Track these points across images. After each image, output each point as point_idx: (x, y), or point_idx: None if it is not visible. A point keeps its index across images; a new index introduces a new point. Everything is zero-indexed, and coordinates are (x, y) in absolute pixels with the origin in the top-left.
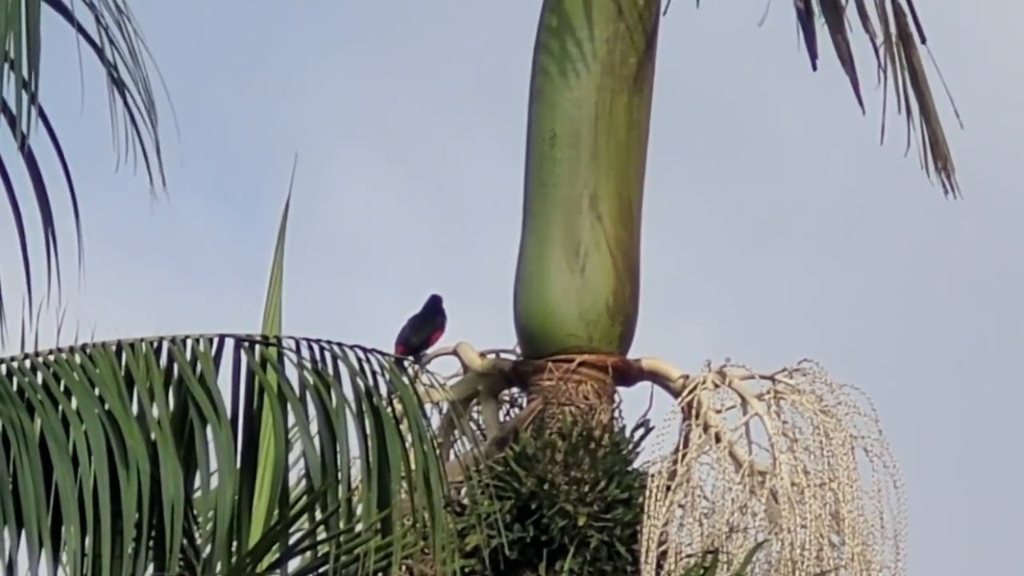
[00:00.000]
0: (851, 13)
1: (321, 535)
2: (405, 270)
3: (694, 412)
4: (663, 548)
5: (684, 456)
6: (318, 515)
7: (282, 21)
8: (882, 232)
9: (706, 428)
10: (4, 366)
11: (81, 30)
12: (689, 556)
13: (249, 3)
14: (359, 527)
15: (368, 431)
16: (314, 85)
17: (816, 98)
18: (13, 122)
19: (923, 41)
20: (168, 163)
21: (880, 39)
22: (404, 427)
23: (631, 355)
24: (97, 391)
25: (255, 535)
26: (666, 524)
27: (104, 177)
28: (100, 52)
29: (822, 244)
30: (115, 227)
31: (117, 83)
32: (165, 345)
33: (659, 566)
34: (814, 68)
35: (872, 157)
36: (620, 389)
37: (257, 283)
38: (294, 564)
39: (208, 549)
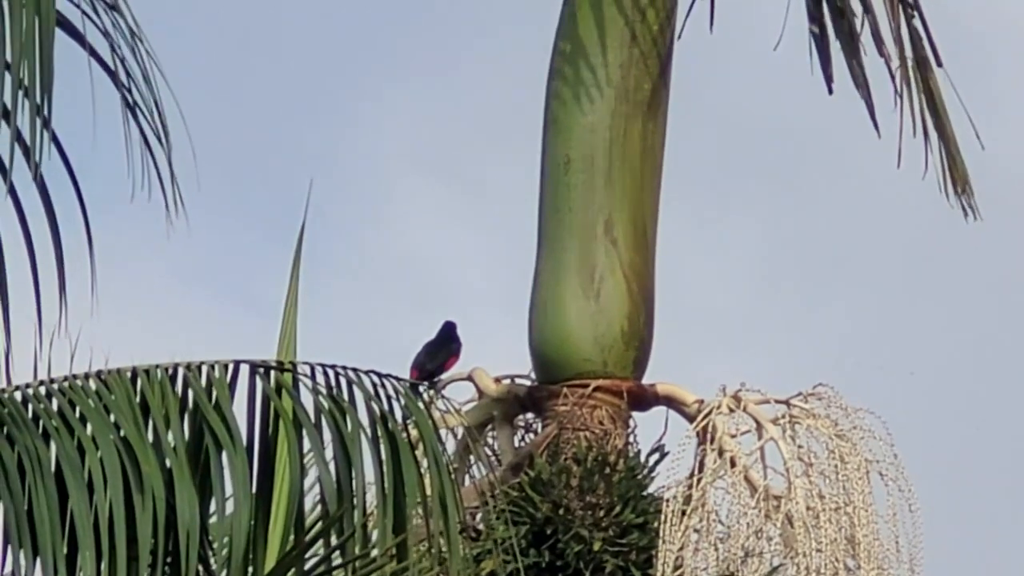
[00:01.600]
0: (866, 38)
1: (336, 560)
2: (470, 299)
3: (709, 437)
4: (678, 573)
5: (699, 481)
6: (333, 540)
7: (339, 54)
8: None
9: (721, 453)
10: (19, 393)
11: (95, 54)
12: None
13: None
14: (375, 552)
15: (383, 456)
16: (373, 116)
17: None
18: (27, 150)
19: (939, 64)
20: (190, 187)
21: (896, 63)
22: (419, 452)
23: (646, 380)
24: (112, 417)
25: (270, 561)
26: (681, 549)
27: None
28: (115, 77)
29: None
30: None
31: (131, 107)
32: (180, 371)
33: None
34: (830, 92)
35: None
36: (635, 414)
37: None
38: None
39: (223, 575)
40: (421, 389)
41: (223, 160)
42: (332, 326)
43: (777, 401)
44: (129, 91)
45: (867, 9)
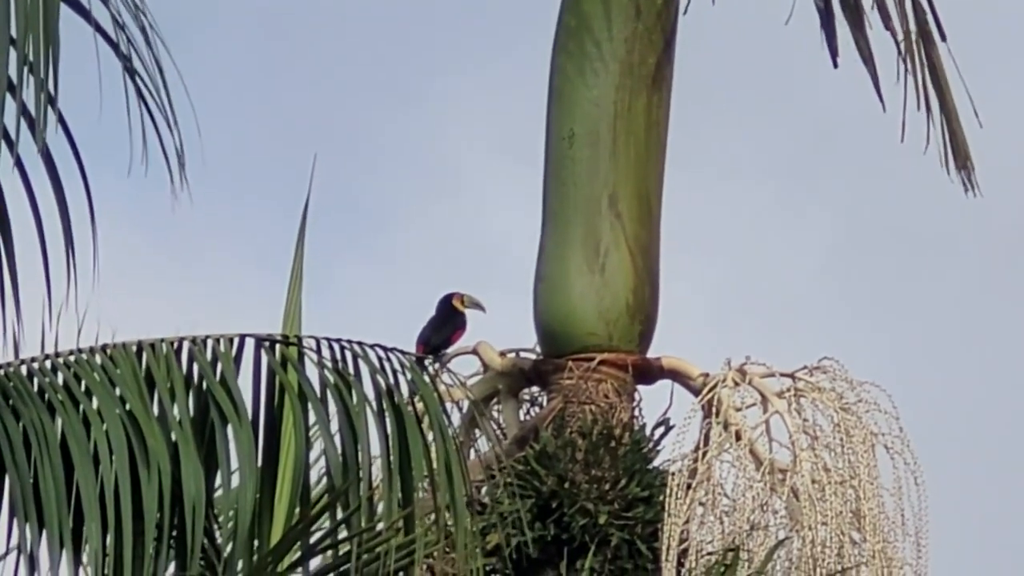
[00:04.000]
0: (871, 12)
1: (342, 534)
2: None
3: (714, 410)
4: (684, 546)
5: (704, 454)
6: (339, 514)
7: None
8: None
9: (726, 426)
10: (25, 367)
11: (99, 29)
12: (710, 554)
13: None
14: (380, 526)
15: (389, 430)
16: (444, 97)
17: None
18: (32, 124)
19: (943, 39)
20: (195, 164)
21: (900, 36)
22: (425, 426)
23: (650, 353)
24: (118, 391)
25: (276, 534)
26: (687, 522)
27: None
28: (117, 49)
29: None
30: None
31: (131, 74)
32: (186, 345)
33: (680, 564)
34: (835, 66)
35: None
36: (640, 387)
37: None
38: (315, 563)
39: (229, 548)
40: (427, 363)
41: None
42: (421, 309)
43: (782, 374)
44: (131, 63)
45: None
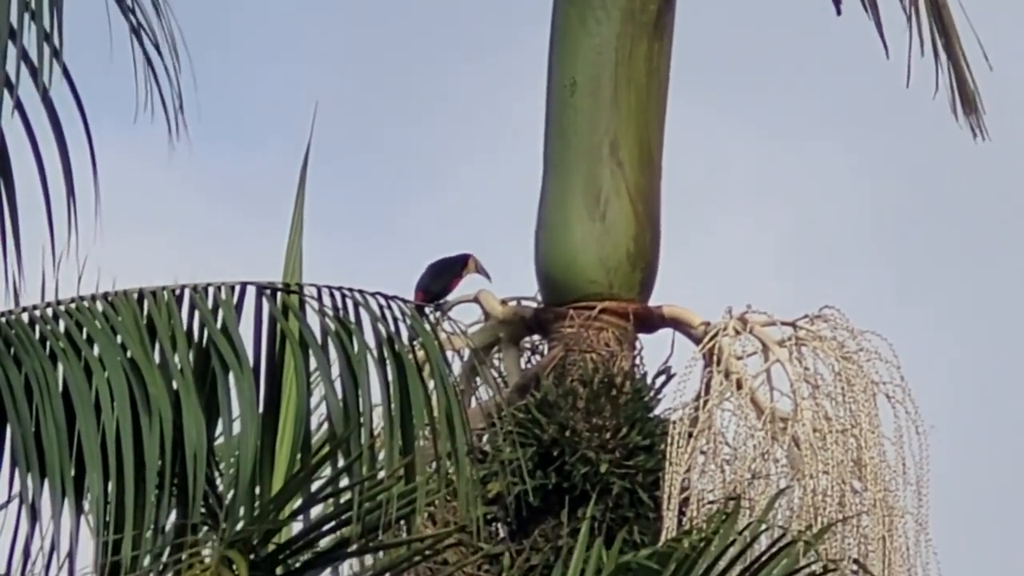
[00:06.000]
0: None
1: (343, 482)
2: None
3: (715, 359)
4: (685, 495)
5: (706, 403)
6: (340, 462)
7: None
8: None
9: (727, 375)
10: (26, 315)
11: None
12: (711, 502)
13: None
14: (381, 474)
15: (390, 378)
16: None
17: None
18: (35, 72)
19: None
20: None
21: None
22: (426, 374)
23: (652, 302)
24: (119, 339)
25: (277, 482)
26: (688, 471)
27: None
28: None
29: None
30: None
31: (136, 31)
32: (187, 293)
33: (681, 512)
34: (838, 12)
35: None
36: (641, 336)
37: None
38: (316, 511)
39: (230, 496)
40: (427, 311)
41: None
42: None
43: (783, 323)
44: (134, 13)
45: None
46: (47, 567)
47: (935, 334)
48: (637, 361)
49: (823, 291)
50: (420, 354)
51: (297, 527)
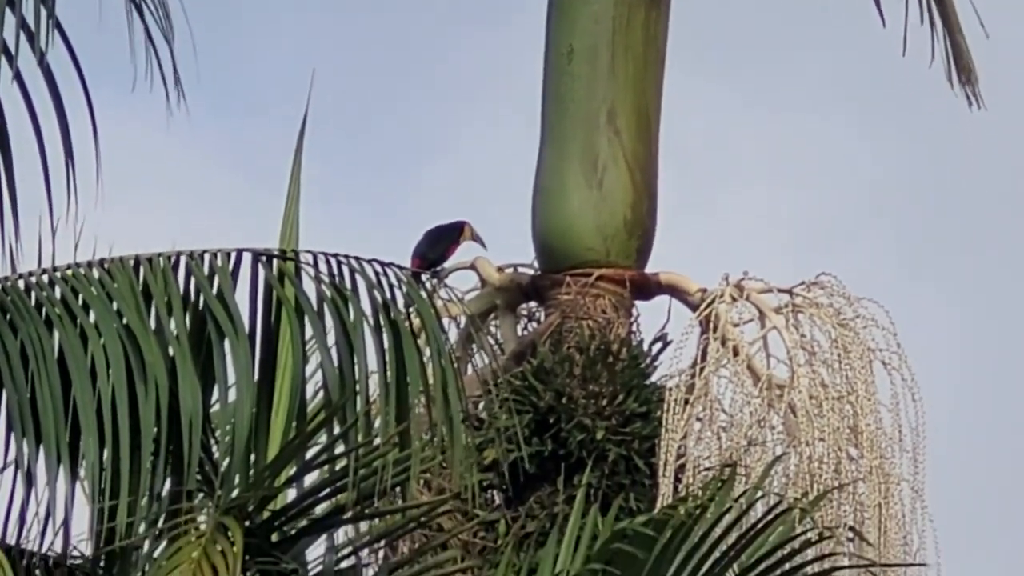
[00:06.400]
0: None
1: (339, 449)
2: None
3: (712, 326)
4: (681, 461)
5: (702, 370)
6: (336, 429)
7: None
8: None
9: (724, 342)
10: (22, 281)
11: None
12: (707, 469)
13: None
14: (377, 441)
15: (386, 345)
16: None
17: None
18: (32, 37)
19: None
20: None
21: None
22: (422, 341)
23: (648, 269)
24: (115, 306)
25: (273, 449)
26: (684, 438)
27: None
28: None
29: None
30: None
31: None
32: (183, 260)
33: (677, 479)
34: None
35: None
36: (638, 303)
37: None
38: (312, 478)
39: (226, 463)
40: (424, 278)
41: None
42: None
43: (780, 290)
44: None
45: None
46: (42, 533)
47: (940, 308)
48: (634, 328)
49: (827, 265)
50: (416, 321)
51: (292, 494)
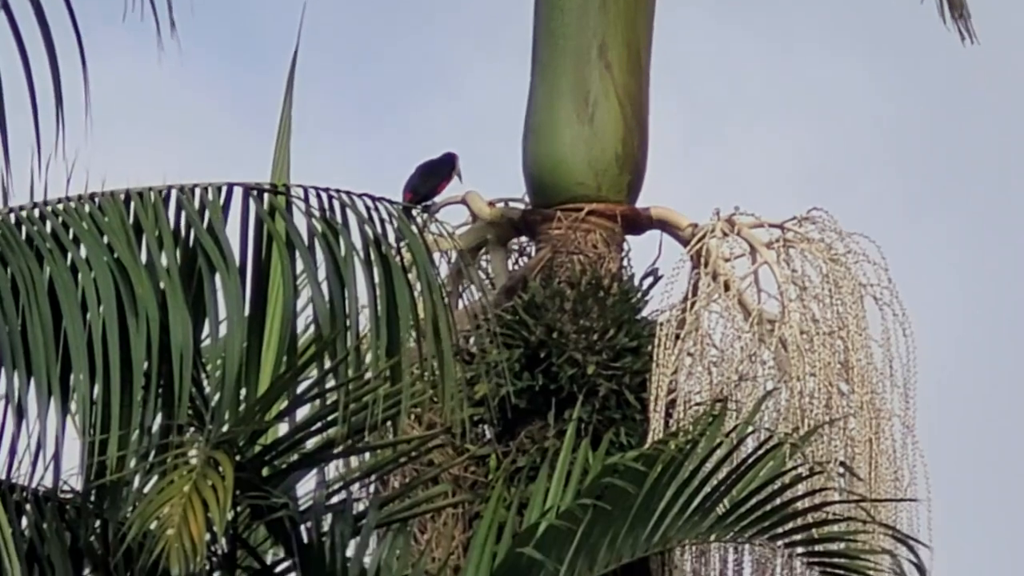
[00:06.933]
0: None
1: (329, 383)
2: None
3: (703, 260)
4: (672, 396)
5: (693, 305)
6: (327, 363)
7: None
8: None
9: (715, 276)
10: (13, 215)
11: None
12: (698, 404)
13: None
14: (368, 375)
15: (376, 279)
16: None
17: None
18: None
19: None
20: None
21: None
22: (412, 275)
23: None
24: (106, 239)
25: (263, 383)
26: (675, 372)
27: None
28: None
29: None
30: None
31: None
32: (174, 194)
33: (668, 414)
34: None
35: None
36: (629, 238)
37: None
38: (302, 412)
39: (216, 397)
40: (414, 212)
41: None
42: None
43: (771, 225)
44: None
45: None
46: (33, 467)
47: (946, 248)
48: (624, 263)
49: (832, 203)
50: (407, 255)
51: (283, 428)
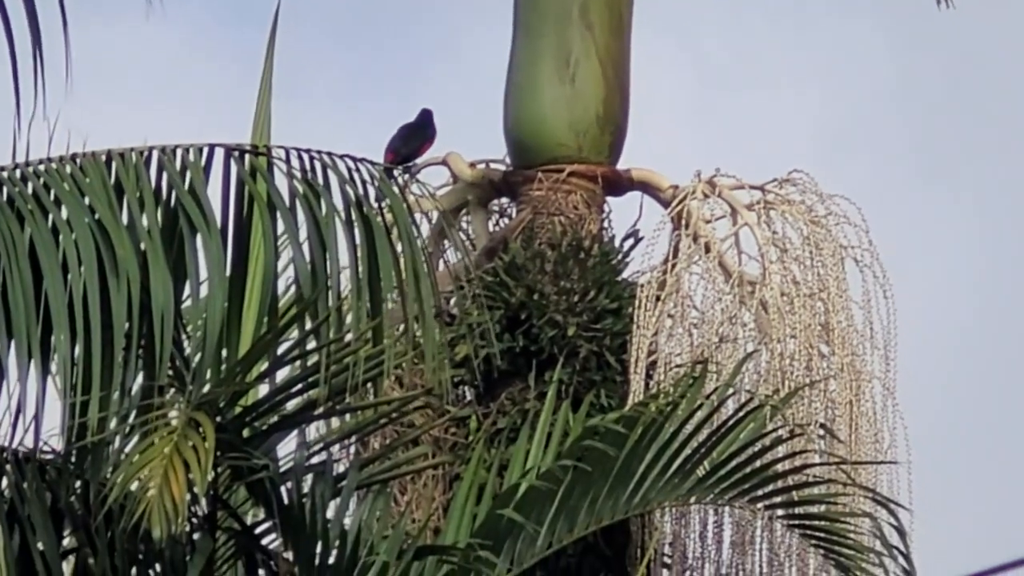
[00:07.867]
0: None
1: (310, 344)
2: None
3: (684, 222)
4: (652, 358)
5: (674, 266)
6: (308, 324)
7: None
8: None
9: (696, 238)
10: None
11: None
12: (678, 366)
13: None
14: (349, 336)
15: (358, 240)
16: None
17: None
18: None
19: None
20: None
21: None
22: (394, 236)
23: (621, 165)
24: (87, 200)
25: (244, 345)
26: (655, 334)
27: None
28: None
29: None
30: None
31: None
32: (155, 155)
33: (648, 376)
34: None
35: None
36: (610, 199)
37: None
38: (283, 373)
39: (197, 358)
40: (396, 173)
41: None
42: None
43: (752, 187)
44: None
45: None
46: (13, 428)
47: (956, 212)
48: (605, 224)
49: (845, 168)
50: (388, 216)
51: (264, 390)
